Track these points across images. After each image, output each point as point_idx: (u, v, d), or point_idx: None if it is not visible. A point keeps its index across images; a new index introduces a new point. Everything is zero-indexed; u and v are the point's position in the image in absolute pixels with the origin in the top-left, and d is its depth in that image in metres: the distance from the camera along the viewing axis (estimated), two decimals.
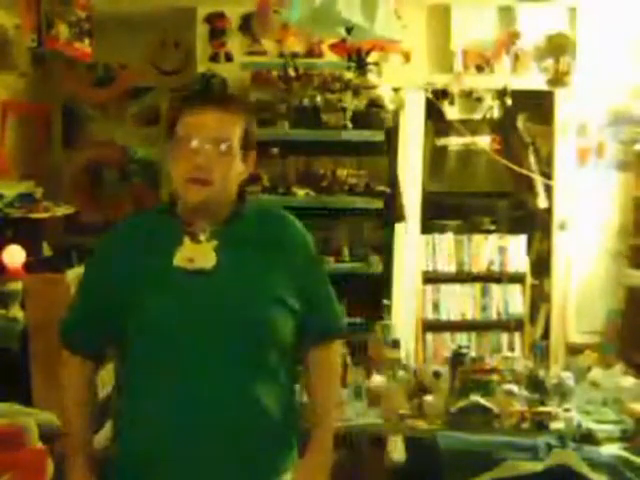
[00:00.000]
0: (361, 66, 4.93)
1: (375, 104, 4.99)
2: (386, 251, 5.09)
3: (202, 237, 1.91)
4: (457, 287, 5.59)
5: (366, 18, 3.45)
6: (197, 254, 1.90)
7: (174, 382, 1.86)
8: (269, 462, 1.94)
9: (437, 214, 5.75)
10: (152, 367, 1.90)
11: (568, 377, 3.64)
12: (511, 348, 5.54)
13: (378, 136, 4.88)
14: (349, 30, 3.55)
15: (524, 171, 5.60)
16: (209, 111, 1.88)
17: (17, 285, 3.58)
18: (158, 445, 1.88)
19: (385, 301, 4.92)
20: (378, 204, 4.89)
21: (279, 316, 1.91)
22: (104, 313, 1.95)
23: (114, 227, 2.07)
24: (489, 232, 5.70)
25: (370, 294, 4.89)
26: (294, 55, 5.11)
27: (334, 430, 2.10)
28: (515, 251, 5.60)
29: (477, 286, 5.59)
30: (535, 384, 3.61)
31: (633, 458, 2.89)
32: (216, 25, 5.27)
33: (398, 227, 5.21)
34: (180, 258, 1.89)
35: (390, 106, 5.06)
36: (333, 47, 4.99)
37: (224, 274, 1.89)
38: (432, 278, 5.61)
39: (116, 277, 1.93)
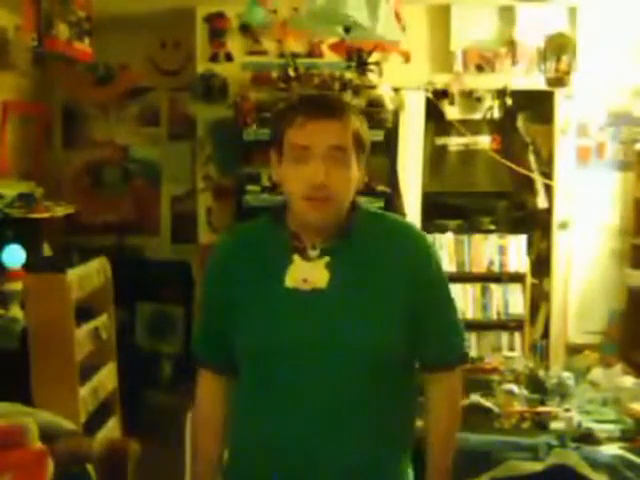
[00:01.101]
0: (361, 66, 4.93)
1: (375, 104, 4.98)
2: None
3: (313, 254, 1.82)
4: (457, 287, 5.56)
5: (371, 18, 3.45)
6: (309, 273, 1.80)
7: (284, 416, 1.80)
8: None
9: (437, 214, 5.74)
10: (263, 391, 1.83)
11: (568, 377, 3.62)
12: (511, 348, 5.52)
13: (378, 136, 4.88)
14: (347, 30, 3.54)
15: (524, 171, 5.59)
16: (321, 121, 1.76)
17: (17, 285, 3.58)
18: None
19: None
20: (378, 204, 4.88)
21: (395, 338, 1.80)
22: (224, 329, 1.89)
23: (224, 240, 1.99)
24: (489, 232, 5.69)
25: None
26: (294, 55, 5.11)
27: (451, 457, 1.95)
28: (515, 251, 5.58)
29: (477, 286, 5.58)
30: (535, 384, 3.60)
31: (633, 458, 2.88)
32: (216, 25, 5.26)
33: None
34: (292, 278, 1.80)
35: (390, 106, 5.06)
36: (333, 47, 4.99)
37: (338, 293, 1.79)
38: None
39: (228, 297, 1.87)
